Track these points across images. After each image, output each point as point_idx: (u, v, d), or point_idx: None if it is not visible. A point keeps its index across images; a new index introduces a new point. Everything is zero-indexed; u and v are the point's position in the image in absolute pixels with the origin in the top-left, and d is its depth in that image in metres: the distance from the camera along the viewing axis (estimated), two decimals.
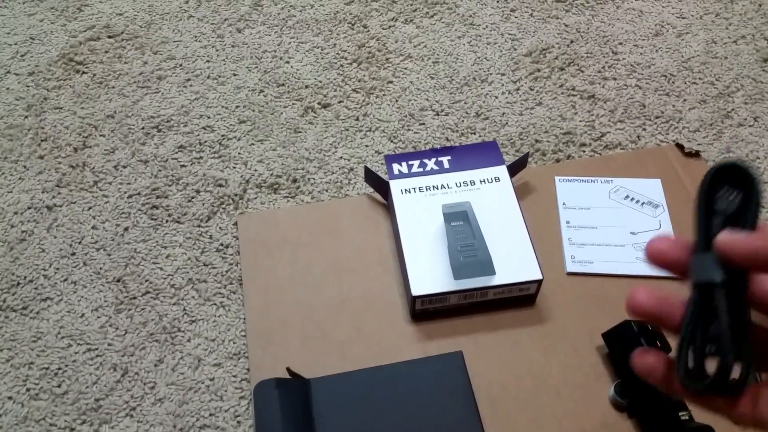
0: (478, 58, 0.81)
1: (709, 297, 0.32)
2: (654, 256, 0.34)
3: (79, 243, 0.67)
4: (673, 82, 0.79)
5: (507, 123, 0.75)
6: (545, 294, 0.62)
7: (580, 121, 0.75)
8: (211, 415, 0.56)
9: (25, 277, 0.64)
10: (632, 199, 0.68)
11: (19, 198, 0.70)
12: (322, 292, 0.63)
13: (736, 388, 0.31)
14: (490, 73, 0.80)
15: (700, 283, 0.32)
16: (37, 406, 0.57)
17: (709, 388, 0.31)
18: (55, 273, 0.65)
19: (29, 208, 0.69)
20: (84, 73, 0.81)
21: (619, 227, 0.66)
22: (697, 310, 0.32)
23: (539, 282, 0.59)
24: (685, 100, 0.77)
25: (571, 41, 0.83)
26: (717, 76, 0.79)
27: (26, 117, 0.77)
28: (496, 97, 0.78)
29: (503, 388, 0.57)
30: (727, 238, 0.32)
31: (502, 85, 0.79)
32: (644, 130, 0.75)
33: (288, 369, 0.55)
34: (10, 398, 0.57)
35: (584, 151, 0.73)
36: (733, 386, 0.31)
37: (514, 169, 0.67)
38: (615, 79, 0.79)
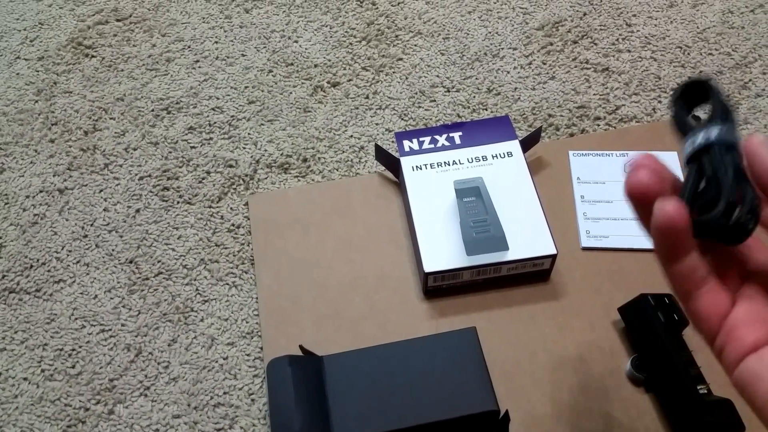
0: (489, 33, 0.80)
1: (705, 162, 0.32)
2: (636, 190, 0.32)
3: (91, 225, 0.67)
4: (688, 54, 0.77)
5: (519, 98, 0.74)
6: (559, 269, 0.61)
7: (594, 94, 0.74)
8: (225, 393, 0.56)
9: (37, 260, 0.65)
10: None
11: (31, 182, 0.70)
12: (334, 270, 0.62)
13: (742, 232, 0.31)
14: (502, 48, 0.79)
15: (696, 151, 0.33)
16: (51, 386, 0.57)
17: (714, 221, 0.31)
18: (68, 255, 0.65)
19: (41, 191, 0.69)
20: (93, 56, 0.81)
21: None
22: (696, 176, 0.32)
23: (554, 257, 0.59)
24: (701, 71, 0.76)
25: (584, 14, 0.82)
26: (734, 47, 0.77)
27: (36, 101, 0.77)
28: (508, 72, 0.76)
29: (518, 365, 0.57)
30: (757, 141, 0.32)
31: (514, 59, 0.77)
32: (660, 102, 0.73)
33: (301, 347, 0.55)
34: (25, 379, 0.58)
35: (599, 125, 0.72)
36: (737, 229, 0.31)
37: (526, 144, 0.66)
38: (629, 51, 0.78)
